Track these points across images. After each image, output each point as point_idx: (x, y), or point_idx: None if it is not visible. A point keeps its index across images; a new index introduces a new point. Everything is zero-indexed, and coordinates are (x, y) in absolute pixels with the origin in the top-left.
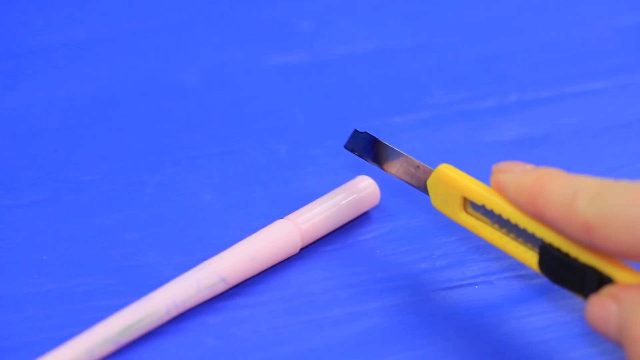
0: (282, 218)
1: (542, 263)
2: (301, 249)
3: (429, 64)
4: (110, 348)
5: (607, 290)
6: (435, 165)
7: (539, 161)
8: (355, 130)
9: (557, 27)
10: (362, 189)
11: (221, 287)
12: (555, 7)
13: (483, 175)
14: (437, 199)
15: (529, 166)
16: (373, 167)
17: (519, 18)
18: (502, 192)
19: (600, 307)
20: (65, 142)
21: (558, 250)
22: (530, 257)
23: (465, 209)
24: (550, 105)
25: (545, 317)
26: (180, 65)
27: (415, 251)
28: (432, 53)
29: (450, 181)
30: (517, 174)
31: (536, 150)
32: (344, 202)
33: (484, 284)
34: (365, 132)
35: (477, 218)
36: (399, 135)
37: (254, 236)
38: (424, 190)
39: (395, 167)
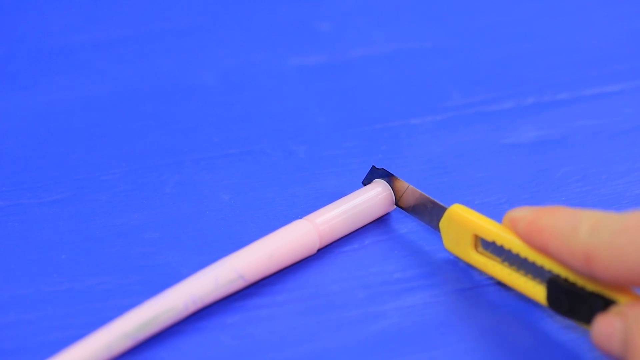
0: (300, 218)
1: (550, 295)
2: (318, 250)
3: (448, 65)
4: (128, 343)
5: (613, 309)
6: (448, 201)
7: (556, 163)
8: (373, 167)
9: (575, 30)
10: (382, 193)
11: (239, 284)
12: (572, 10)
13: (500, 177)
14: (449, 239)
15: (540, 207)
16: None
17: (537, 21)
18: (513, 227)
19: (606, 324)
20: (85, 142)
21: (565, 280)
22: (538, 292)
23: (475, 248)
24: (567, 108)
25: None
26: (199, 66)
27: (434, 252)
28: (451, 55)
29: (462, 220)
30: (528, 210)
31: (553, 152)
32: (363, 205)
33: (502, 285)
34: (382, 169)
35: (487, 256)
36: (417, 136)
37: (273, 235)
38: (436, 228)
39: (409, 203)
